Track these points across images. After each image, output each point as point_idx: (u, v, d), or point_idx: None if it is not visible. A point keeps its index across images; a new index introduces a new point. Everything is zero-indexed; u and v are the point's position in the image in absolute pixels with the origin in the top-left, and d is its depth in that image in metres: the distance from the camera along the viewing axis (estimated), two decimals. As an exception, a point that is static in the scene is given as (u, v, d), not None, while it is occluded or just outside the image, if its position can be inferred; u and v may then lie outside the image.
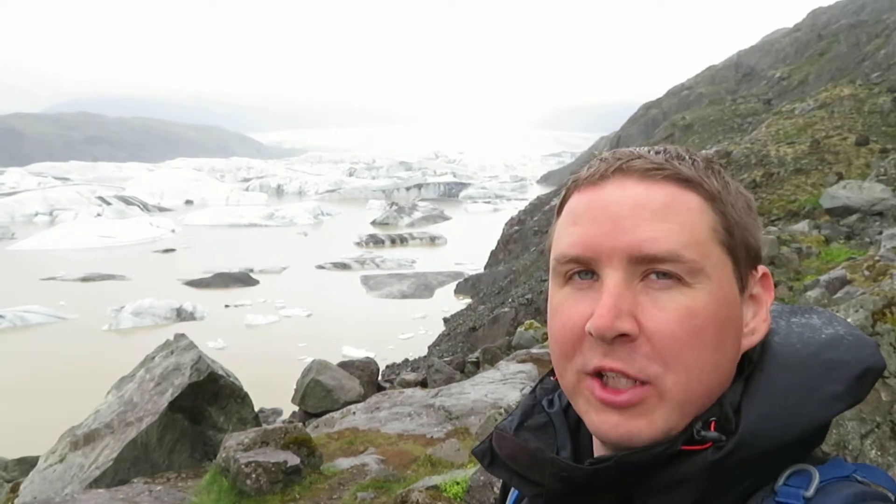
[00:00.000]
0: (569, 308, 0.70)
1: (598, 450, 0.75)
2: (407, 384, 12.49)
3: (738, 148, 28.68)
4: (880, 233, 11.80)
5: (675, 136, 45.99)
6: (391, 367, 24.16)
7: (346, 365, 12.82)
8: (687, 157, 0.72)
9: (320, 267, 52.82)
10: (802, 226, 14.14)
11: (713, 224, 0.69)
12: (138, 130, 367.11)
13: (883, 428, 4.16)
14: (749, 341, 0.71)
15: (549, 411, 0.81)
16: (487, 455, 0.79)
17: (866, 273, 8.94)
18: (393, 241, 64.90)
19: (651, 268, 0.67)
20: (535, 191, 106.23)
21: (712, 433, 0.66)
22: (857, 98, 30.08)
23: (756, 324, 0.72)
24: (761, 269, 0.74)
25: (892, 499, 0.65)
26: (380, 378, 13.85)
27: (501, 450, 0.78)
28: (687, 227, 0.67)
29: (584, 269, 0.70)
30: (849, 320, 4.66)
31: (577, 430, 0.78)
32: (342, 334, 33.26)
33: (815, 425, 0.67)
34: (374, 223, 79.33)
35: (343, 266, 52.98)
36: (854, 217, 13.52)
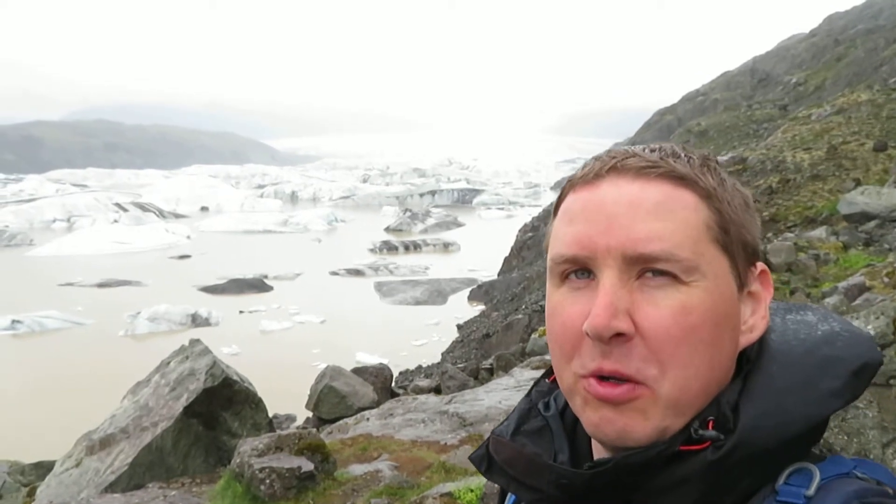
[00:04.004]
0: (566, 308, 0.70)
1: (597, 453, 0.75)
2: (420, 390, 12.47)
3: (754, 154, 28.48)
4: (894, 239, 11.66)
5: (690, 143, 45.71)
6: (405, 374, 24.14)
7: (359, 371, 12.81)
8: (682, 155, 0.72)
9: (334, 273, 52.97)
10: (820, 232, 13.98)
11: (708, 222, 0.69)
12: (155, 137, 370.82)
13: (905, 437, 4.09)
14: (747, 339, 0.71)
15: (545, 415, 0.80)
16: (484, 461, 0.79)
17: (886, 280, 8.83)
18: (406, 248, 64.97)
19: (646, 266, 0.66)
20: (549, 197, 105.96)
21: (710, 432, 0.66)
22: (874, 103, 29.78)
23: (755, 321, 0.72)
24: (760, 265, 0.73)
25: (892, 494, 0.65)
26: (393, 384, 13.83)
27: (498, 455, 0.77)
28: (681, 226, 0.67)
29: (581, 269, 0.70)
30: (869, 327, 4.60)
31: (574, 433, 0.78)
32: (356, 340, 33.32)
33: (814, 422, 0.67)
34: (387, 230, 79.50)
35: (357, 272, 53.08)
36: (872, 223, 13.37)
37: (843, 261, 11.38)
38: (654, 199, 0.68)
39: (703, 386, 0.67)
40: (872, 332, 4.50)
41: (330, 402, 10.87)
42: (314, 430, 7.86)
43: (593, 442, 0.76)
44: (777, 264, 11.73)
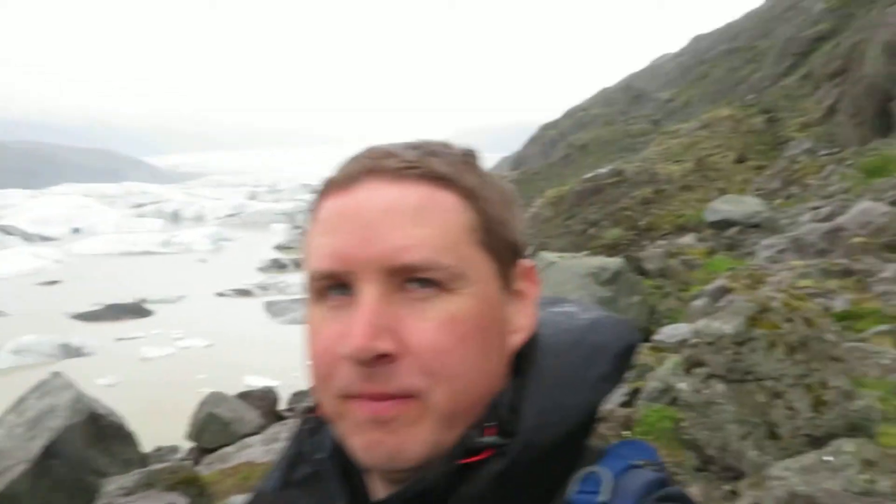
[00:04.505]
0: (324, 329, 0.65)
1: (378, 492, 0.69)
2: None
3: (631, 166, 30.01)
4: (757, 243, 12.59)
5: (572, 156, 47.62)
6: (298, 395, 23.47)
7: (245, 395, 12.35)
8: (442, 153, 0.68)
9: (221, 294, 50.91)
10: (688, 239, 14.92)
11: (471, 223, 0.66)
12: (21, 155, 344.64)
13: (760, 429, 4.36)
14: (518, 338, 0.69)
15: (317, 458, 0.72)
16: None
17: (745, 282, 9.46)
18: (297, 265, 63.61)
19: (409, 277, 0.62)
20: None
21: (491, 438, 0.63)
22: (734, 119, 32.18)
23: (523, 320, 0.70)
24: (524, 263, 0.71)
25: (669, 476, 0.68)
26: (283, 407, 13.41)
27: None
28: (443, 230, 0.64)
29: (339, 284, 0.64)
30: (728, 326, 4.83)
31: (352, 474, 0.71)
32: (245, 363, 32.10)
33: (590, 410, 0.67)
34: (277, 247, 77.49)
35: (245, 293, 51.31)
36: (734, 229, 14.40)
37: (709, 265, 12.14)
38: (414, 203, 0.63)
39: (477, 394, 0.64)
40: (731, 332, 4.78)
41: (212, 430, 10.38)
42: (189, 462, 7.44)
43: (372, 479, 0.70)
44: (651, 270, 12.35)
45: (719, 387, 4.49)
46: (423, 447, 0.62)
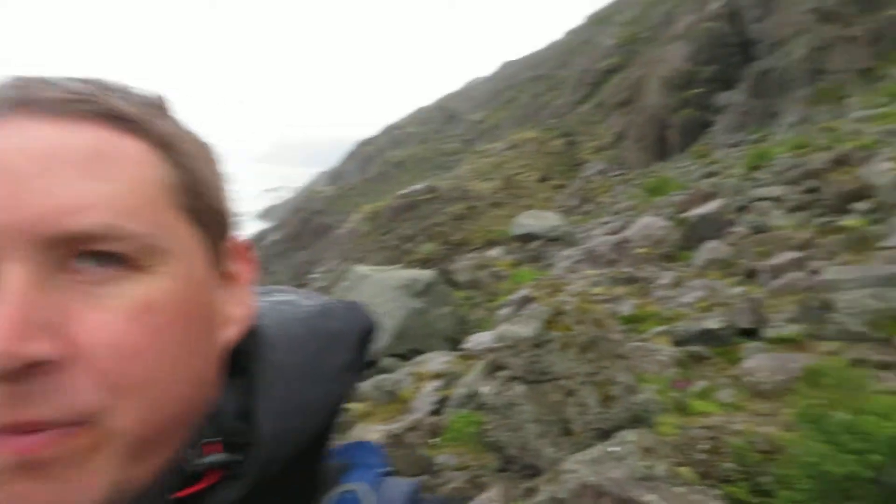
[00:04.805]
0: None
1: None
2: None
3: (444, 183, 31.03)
4: (556, 255, 13.49)
5: (388, 173, 48.33)
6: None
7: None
8: (124, 90, 0.50)
9: None
10: (497, 252, 15.65)
11: (169, 181, 0.48)
12: None
13: (556, 426, 4.58)
14: (233, 331, 0.53)
15: None
16: None
17: (547, 290, 10.07)
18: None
19: (81, 250, 0.43)
20: (256, 226, 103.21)
21: (218, 456, 0.49)
22: (538, 141, 34.52)
23: (238, 309, 0.54)
24: (236, 239, 0.55)
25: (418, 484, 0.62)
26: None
27: None
28: (130, 187, 0.45)
29: None
30: (525, 331, 4.97)
31: None
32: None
33: (336, 406, 0.57)
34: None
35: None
36: (537, 242, 15.35)
37: (515, 276, 12.77)
38: (86, 148, 0.45)
39: (179, 408, 0.47)
40: (530, 335, 4.99)
41: None
42: None
43: None
44: (462, 282, 12.77)
45: (519, 388, 4.66)
46: (99, 493, 0.43)
